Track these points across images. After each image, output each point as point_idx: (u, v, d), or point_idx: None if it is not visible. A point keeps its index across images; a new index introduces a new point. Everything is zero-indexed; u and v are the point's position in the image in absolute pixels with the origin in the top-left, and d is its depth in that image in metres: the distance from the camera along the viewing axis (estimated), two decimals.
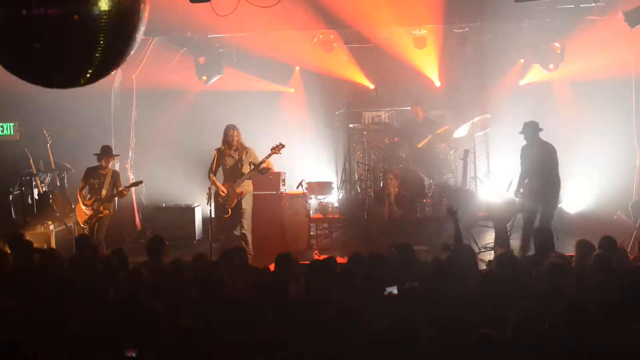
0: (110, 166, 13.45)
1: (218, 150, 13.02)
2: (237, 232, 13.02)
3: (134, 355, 6.07)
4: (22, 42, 5.73)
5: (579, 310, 6.52)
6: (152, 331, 6.49)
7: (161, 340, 6.46)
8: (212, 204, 12.79)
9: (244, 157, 12.95)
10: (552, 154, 12.39)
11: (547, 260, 8.30)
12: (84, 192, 13.39)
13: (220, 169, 13.12)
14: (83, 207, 13.25)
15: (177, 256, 9.95)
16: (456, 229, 9.80)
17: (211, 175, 12.94)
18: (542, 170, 12.36)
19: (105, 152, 13.39)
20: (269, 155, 12.74)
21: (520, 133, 12.48)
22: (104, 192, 13.22)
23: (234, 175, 12.94)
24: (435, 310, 7.06)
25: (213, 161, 12.90)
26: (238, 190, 12.87)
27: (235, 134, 12.97)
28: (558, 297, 7.31)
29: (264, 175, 13.15)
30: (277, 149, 12.80)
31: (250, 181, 13.09)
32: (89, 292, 8.03)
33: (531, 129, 12.46)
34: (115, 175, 13.60)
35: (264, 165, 12.76)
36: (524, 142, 12.58)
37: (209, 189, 12.75)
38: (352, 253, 9.43)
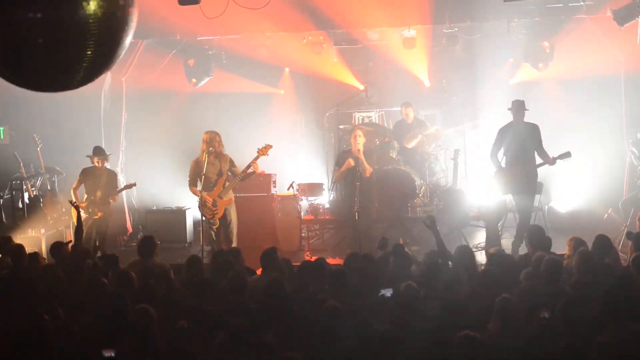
0: (104, 166, 13.41)
1: (199, 159, 12.55)
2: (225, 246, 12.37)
3: (112, 355, 6.06)
4: (11, 47, 5.72)
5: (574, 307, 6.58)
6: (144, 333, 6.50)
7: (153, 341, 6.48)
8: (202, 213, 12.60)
9: (224, 164, 12.54)
10: (537, 134, 12.20)
11: (542, 258, 8.34)
12: (77, 192, 13.33)
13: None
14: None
15: (168, 259, 9.96)
16: (438, 241, 9.62)
17: (194, 188, 12.55)
18: (525, 152, 12.17)
19: (96, 152, 13.34)
20: (257, 158, 12.28)
21: (509, 109, 12.37)
22: (98, 193, 13.16)
23: (215, 183, 12.51)
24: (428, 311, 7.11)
25: (203, 166, 12.32)
26: (226, 199, 12.56)
27: (219, 139, 12.53)
28: (552, 295, 7.35)
29: (246, 180, 12.73)
30: (264, 150, 12.37)
31: (231, 190, 12.72)
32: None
33: (520, 106, 12.23)
34: (112, 176, 13.51)
35: (251, 170, 12.32)
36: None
37: (200, 197, 12.39)
38: (345, 254, 9.50)
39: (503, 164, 12.22)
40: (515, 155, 12.16)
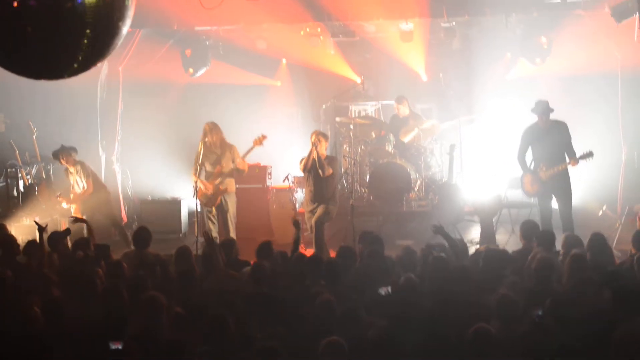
0: (76, 166, 13.36)
1: (204, 144, 12.62)
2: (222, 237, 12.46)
3: (119, 347, 6.06)
4: (8, 34, 5.70)
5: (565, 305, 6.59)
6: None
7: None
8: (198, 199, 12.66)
9: (225, 154, 12.65)
10: (566, 132, 12.04)
11: (535, 255, 8.33)
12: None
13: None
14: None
15: (163, 249, 9.94)
16: (451, 243, 9.45)
17: (195, 175, 12.56)
18: (554, 154, 12.04)
19: (57, 154, 13.42)
20: (252, 148, 12.53)
21: (533, 111, 12.16)
22: (75, 194, 13.25)
23: (215, 172, 12.66)
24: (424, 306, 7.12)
25: (199, 155, 12.50)
26: (222, 187, 12.65)
27: (216, 130, 12.64)
28: (545, 293, 7.34)
29: (243, 174, 12.93)
30: (259, 140, 12.53)
31: (233, 180, 12.85)
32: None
33: (545, 107, 12.03)
34: (81, 169, 13.45)
35: (242, 164, 12.54)
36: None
37: (195, 184, 12.54)
38: (339, 246, 9.51)
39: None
40: (544, 158, 12.09)
